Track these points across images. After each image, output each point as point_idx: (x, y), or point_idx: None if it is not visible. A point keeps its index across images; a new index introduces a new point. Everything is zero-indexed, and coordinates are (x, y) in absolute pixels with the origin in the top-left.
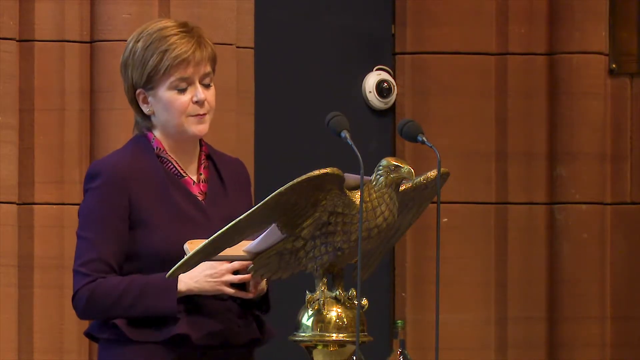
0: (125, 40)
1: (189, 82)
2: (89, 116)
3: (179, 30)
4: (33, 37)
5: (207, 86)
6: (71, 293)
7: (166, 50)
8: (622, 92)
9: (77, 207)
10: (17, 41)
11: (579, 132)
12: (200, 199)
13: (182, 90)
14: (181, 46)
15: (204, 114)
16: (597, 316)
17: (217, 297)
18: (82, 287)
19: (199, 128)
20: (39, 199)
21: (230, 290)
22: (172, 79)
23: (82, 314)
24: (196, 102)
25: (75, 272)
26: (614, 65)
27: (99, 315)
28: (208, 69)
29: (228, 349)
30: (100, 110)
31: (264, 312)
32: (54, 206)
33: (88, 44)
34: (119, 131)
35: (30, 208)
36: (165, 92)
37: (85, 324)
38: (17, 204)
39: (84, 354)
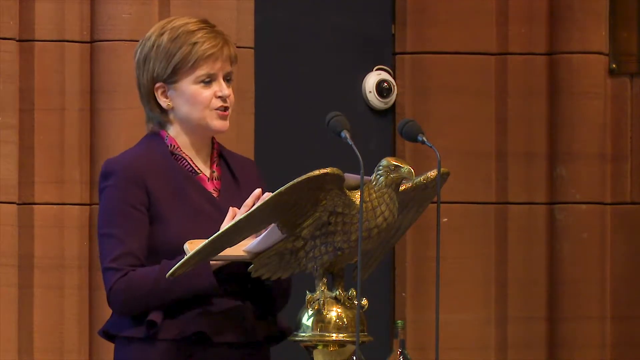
0: (125, 40)
1: (214, 78)
2: (89, 116)
3: (204, 25)
4: (33, 37)
5: (228, 83)
6: (72, 293)
7: (195, 43)
8: (622, 92)
9: (77, 207)
10: (17, 41)
11: (579, 132)
12: (214, 195)
13: (207, 85)
14: (210, 41)
15: (226, 109)
16: (597, 316)
17: (234, 296)
18: (116, 281)
19: (222, 123)
20: (39, 199)
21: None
22: (199, 72)
23: (121, 308)
24: (220, 97)
25: (106, 270)
26: (614, 65)
27: (138, 306)
28: (231, 67)
29: (245, 346)
30: (100, 110)
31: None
32: (54, 206)
33: (88, 44)
34: (119, 131)
35: (30, 208)
36: (189, 86)
37: (86, 323)
38: (17, 204)
39: (84, 354)
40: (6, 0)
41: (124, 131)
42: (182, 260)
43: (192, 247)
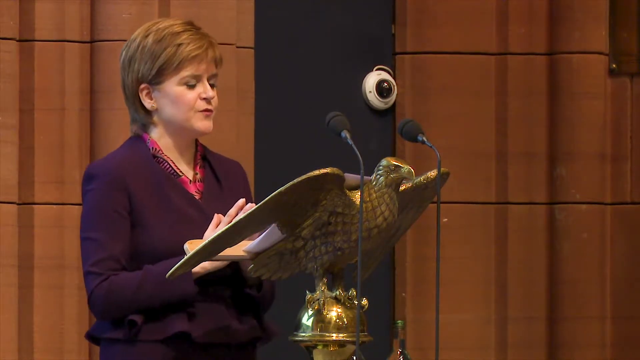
0: (125, 40)
1: (198, 80)
2: (89, 116)
3: (189, 27)
4: (33, 37)
5: (212, 86)
6: (72, 293)
7: (180, 45)
8: (622, 92)
9: (77, 207)
10: (17, 41)
11: (579, 132)
12: (196, 197)
13: (192, 87)
14: (195, 42)
15: (211, 111)
16: (597, 316)
17: (217, 298)
18: (96, 286)
19: (206, 124)
20: (39, 199)
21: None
22: (184, 73)
23: (101, 312)
24: (204, 99)
25: (87, 273)
26: (614, 65)
27: (119, 311)
28: (215, 70)
29: (229, 347)
30: (100, 110)
31: (257, 289)
32: (54, 206)
33: (88, 44)
34: (119, 131)
35: (30, 208)
36: (174, 87)
37: (86, 323)
38: (17, 204)
39: (84, 354)
40: (6, 0)
41: (124, 131)
42: (182, 261)
43: (192, 247)
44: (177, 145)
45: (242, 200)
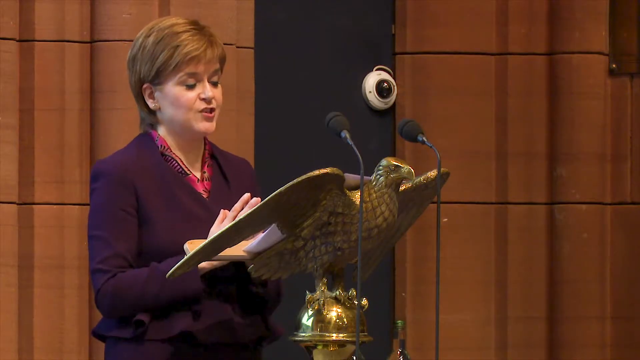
0: (126, 40)
1: (198, 79)
2: (89, 116)
3: (190, 27)
4: (33, 37)
5: (215, 84)
6: (72, 293)
7: (177, 46)
8: (622, 92)
9: (77, 207)
10: (17, 41)
11: (579, 132)
12: (204, 196)
13: (191, 87)
14: (193, 43)
15: (211, 110)
16: (597, 316)
17: (222, 297)
18: (104, 283)
19: (206, 125)
20: (39, 199)
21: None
22: (181, 74)
23: (108, 310)
24: (203, 99)
25: (94, 271)
26: (614, 65)
27: (126, 309)
28: (217, 67)
29: (234, 346)
30: (100, 110)
31: (261, 286)
32: (54, 206)
33: (88, 44)
34: (119, 131)
35: (30, 208)
36: (173, 88)
37: (86, 323)
38: (17, 204)
39: (84, 354)
40: (6, 0)
41: (124, 131)
42: (182, 261)
43: (192, 247)
44: (183, 144)
45: (247, 195)
